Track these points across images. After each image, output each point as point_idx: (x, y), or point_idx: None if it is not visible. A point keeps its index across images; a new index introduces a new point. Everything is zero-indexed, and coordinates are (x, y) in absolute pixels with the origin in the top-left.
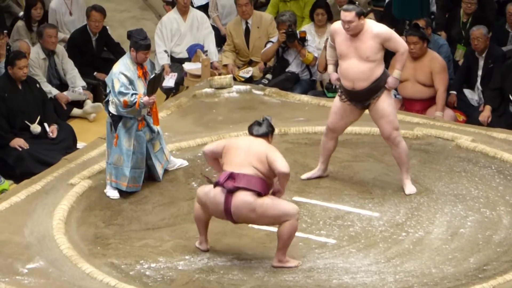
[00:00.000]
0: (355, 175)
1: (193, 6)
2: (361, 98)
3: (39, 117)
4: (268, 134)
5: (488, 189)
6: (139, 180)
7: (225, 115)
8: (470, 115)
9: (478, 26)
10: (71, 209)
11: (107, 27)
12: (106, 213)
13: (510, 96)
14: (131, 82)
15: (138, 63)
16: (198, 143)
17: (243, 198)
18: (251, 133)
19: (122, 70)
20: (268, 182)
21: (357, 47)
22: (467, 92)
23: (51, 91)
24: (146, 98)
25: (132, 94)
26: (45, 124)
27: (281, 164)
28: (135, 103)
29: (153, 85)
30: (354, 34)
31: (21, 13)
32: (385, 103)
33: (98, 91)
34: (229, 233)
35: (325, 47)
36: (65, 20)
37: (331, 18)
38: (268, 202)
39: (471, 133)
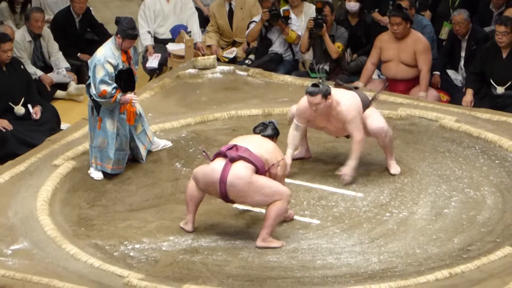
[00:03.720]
0: (339, 156)
1: None
2: None
3: (23, 99)
4: (273, 137)
5: (472, 169)
6: (122, 162)
7: (208, 96)
8: (453, 95)
9: (459, 11)
10: (55, 190)
11: (91, 8)
12: (90, 194)
13: (491, 81)
14: (115, 68)
15: (122, 49)
16: (181, 124)
17: (242, 168)
18: (256, 132)
19: (108, 56)
20: (265, 168)
21: (328, 122)
22: (450, 72)
23: (36, 72)
24: (127, 95)
25: (114, 88)
26: (29, 105)
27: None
28: (113, 96)
29: (124, 81)
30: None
31: None
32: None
33: (82, 72)
34: (213, 214)
35: (307, 28)
36: (48, 1)
37: None
38: (265, 180)
39: (455, 113)
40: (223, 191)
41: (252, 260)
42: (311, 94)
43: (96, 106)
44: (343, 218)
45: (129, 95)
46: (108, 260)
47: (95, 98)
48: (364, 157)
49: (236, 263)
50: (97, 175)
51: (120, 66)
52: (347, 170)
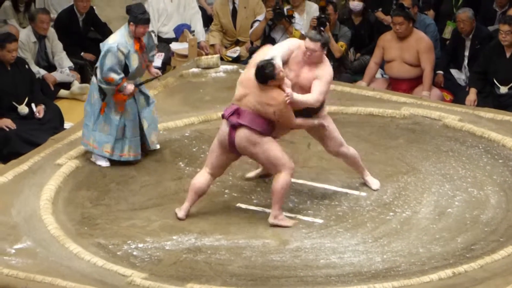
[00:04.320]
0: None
1: None
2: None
3: (27, 99)
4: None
5: (476, 168)
6: (136, 149)
7: (212, 95)
8: (457, 94)
9: (463, 9)
10: (58, 189)
11: (94, 7)
12: (93, 193)
13: (495, 80)
14: (126, 56)
15: (136, 37)
16: (185, 123)
17: (244, 135)
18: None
19: (120, 44)
20: (271, 124)
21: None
22: (454, 71)
23: (39, 71)
24: (129, 86)
25: (121, 78)
26: (32, 104)
27: None
28: (118, 85)
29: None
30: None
31: None
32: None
33: (85, 72)
34: (217, 213)
35: (310, 26)
36: (52, 0)
37: None
38: (271, 145)
39: (458, 113)
40: (235, 151)
41: (256, 259)
42: (313, 39)
43: (102, 92)
44: (347, 217)
45: (132, 87)
46: (111, 259)
47: (99, 84)
48: (367, 157)
49: (239, 262)
50: (102, 162)
51: (132, 54)
52: (293, 95)
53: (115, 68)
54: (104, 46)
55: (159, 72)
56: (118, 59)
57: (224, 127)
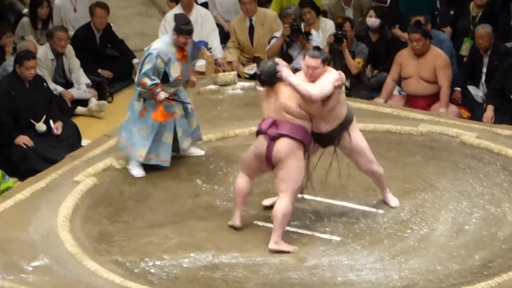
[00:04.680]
0: (360, 172)
1: (196, 3)
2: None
3: (44, 116)
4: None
5: (493, 185)
6: (166, 156)
7: (229, 112)
8: (474, 111)
9: (482, 25)
10: (75, 206)
11: (111, 24)
12: (110, 210)
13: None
14: (166, 63)
15: (179, 45)
16: (202, 140)
17: (285, 144)
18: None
19: (161, 51)
20: (308, 126)
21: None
22: (471, 88)
23: (56, 88)
24: (161, 94)
25: (153, 84)
26: (50, 121)
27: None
28: (150, 90)
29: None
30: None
31: (25, 10)
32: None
33: (103, 88)
34: (233, 231)
35: (328, 43)
36: (69, 16)
37: (319, 13)
38: (300, 165)
39: (476, 130)
40: (271, 166)
41: (273, 277)
42: (313, 57)
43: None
44: (364, 234)
45: (163, 95)
46: (128, 276)
47: (136, 86)
48: (385, 174)
49: (256, 279)
50: (137, 172)
51: (173, 63)
52: (285, 71)
53: (149, 74)
54: (147, 50)
55: (195, 84)
56: (156, 65)
57: (261, 141)
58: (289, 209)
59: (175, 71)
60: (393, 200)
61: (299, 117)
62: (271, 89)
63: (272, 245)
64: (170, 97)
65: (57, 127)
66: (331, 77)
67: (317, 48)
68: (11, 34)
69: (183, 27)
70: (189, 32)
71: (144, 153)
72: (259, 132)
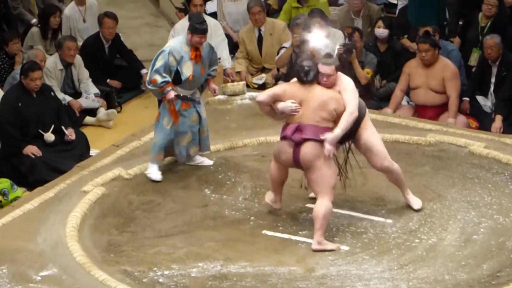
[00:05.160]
0: (368, 182)
1: (205, 13)
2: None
3: (53, 126)
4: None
5: (501, 195)
6: (181, 157)
7: (238, 122)
8: (482, 121)
9: (491, 35)
10: (84, 216)
11: (120, 34)
12: (119, 220)
13: None
14: (179, 62)
15: (192, 44)
16: (211, 150)
17: (311, 148)
18: (301, 81)
19: (174, 49)
20: (332, 127)
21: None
22: (480, 98)
23: (65, 98)
24: (171, 92)
25: (164, 81)
26: (63, 127)
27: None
28: (160, 88)
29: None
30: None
31: (34, 20)
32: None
33: (111, 98)
34: (242, 240)
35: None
36: (78, 27)
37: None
38: (331, 164)
39: (484, 140)
40: (300, 167)
41: (281, 287)
42: (327, 64)
43: (159, 101)
44: (372, 244)
45: (173, 94)
46: (137, 286)
47: (147, 85)
48: (392, 184)
49: None
50: (155, 175)
51: (185, 62)
52: (331, 137)
53: (161, 71)
54: (161, 50)
55: (217, 91)
56: (167, 62)
57: (286, 149)
58: (329, 209)
59: (187, 70)
60: (415, 202)
61: (331, 119)
62: (308, 87)
63: (315, 246)
64: (182, 97)
65: (70, 133)
66: (349, 86)
67: (328, 54)
68: (18, 40)
69: (197, 26)
70: (204, 31)
71: (158, 155)
72: (283, 138)
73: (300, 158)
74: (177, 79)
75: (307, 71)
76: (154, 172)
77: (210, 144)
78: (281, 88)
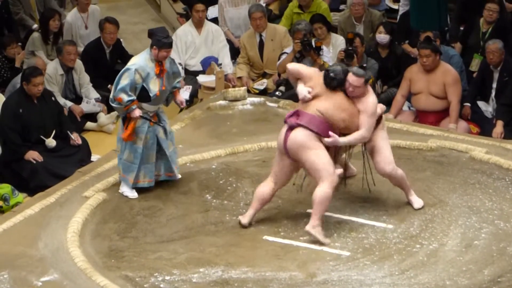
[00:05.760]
0: (369, 187)
1: (207, 19)
2: None
3: (54, 131)
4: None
5: (502, 201)
6: (151, 175)
7: (239, 127)
8: (484, 127)
9: (494, 40)
10: (85, 221)
11: (121, 40)
12: (120, 225)
13: None
14: (144, 79)
15: (158, 60)
16: (212, 155)
17: (299, 135)
18: (326, 84)
19: (139, 66)
20: (333, 127)
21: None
22: (481, 104)
23: (66, 103)
24: (136, 111)
25: (129, 100)
26: (68, 132)
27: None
28: (126, 106)
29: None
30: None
31: (35, 26)
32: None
33: None
34: (243, 246)
35: (338, 59)
36: (80, 33)
37: (330, 29)
38: (321, 152)
39: (485, 145)
40: (288, 155)
41: None
42: (356, 75)
43: (124, 119)
44: (374, 249)
45: (138, 113)
46: None
47: (110, 102)
48: (394, 189)
49: None
50: (132, 194)
51: (152, 78)
52: (332, 140)
53: (127, 89)
54: (125, 68)
55: (184, 103)
56: (133, 81)
57: (282, 130)
58: (328, 195)
59: (154, 86)
60: (416, 202)
61: (333, 121)
62: (331, 91)
63: (309, 228)
64: (146, 117)
65: (76, 138)
66: (370, 109)
67: (362, 67)
68: (16, 45)
69: (165, 40)
70: (171, 45)
71: (133, 178)
72: (285, 121)
73: (287, 144)
74: (144, 96)
75: (331, 78)
76: (128, 191)
77: (177, 159)
78: (310, 72)
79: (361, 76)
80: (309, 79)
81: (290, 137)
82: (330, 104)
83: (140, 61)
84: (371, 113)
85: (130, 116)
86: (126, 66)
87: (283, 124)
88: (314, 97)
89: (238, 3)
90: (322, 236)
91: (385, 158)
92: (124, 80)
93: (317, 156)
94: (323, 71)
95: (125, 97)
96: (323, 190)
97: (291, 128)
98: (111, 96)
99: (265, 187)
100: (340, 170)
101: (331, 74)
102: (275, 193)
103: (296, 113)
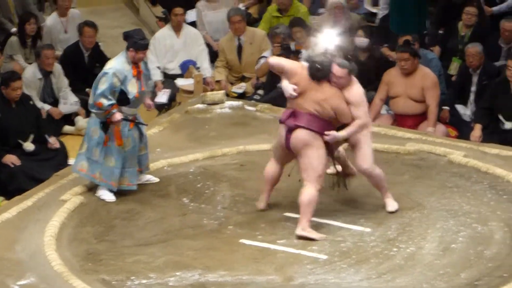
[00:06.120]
0: (347, 190)
1: (186, 23)
2: None
3: (32, 135)
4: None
5: (480, 204)
6: (133, 179)
7: (217, 131)
8: (462, 130)
9: (473, 44)
10: (62, 225)
11: (100, 43)
12: (97, 229)
13: (500, 116)
14: (122, 82)
15: (135, 62)
16: (190, 159)
17: (300, 135)
18: (311, 76)
19: (117, 69)
20: (331, 123)
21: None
22: (459, 107)
23: (44, 107)
24: (117, 115)
25: (110, 104)
26: (46, 136)
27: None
28: (106, 110)
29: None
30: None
31: (13, 29)
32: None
33: None
34: (221, 249)
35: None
36: (60, 37)
37: (310, 33)
38: (320, 153)
39: (463, 149)
40: (291, 153)
41: None
42: (341, 66)
43: (104, 124)
44: (351, 253)
45: (119, 116)
46: None
47: (90, 108)
48: (372, 193)
49: None
50: (109, 197)
51: (130, 80)
52: (332, 136)
53: (106, 94)
54: (102, 71)
55: (152, 106)
56: (112, 84)
57: (281, 132)
58: (313, 196)
59: (133, 88)
60: (390, 205)
61: (326, 116)
62: (316, 83)
63: (299, 231)
64: (127, 118)
65: (54, 142)
66: (357, 98)
67: (347, 58)
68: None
69: (142, 42)
70: (147, 46)
71: (116, 181)
72: (280, 122)
73: (290, 144)
74: (123, 99)
75: (316, 69)
76: (106, 194)
77: (149, 163)
78: (293, 67)
79: (346, 67)
80: (293, 73)
81: (293, 138)
82: (320, 99)
83: (117, 64)
84: (360, 102)
85: (110, 120)
86: (103, 70)
87: (279, 125)
88: (301, 92)
89: (216, 7)
90: (315, 233)
91: (363, 155)
92: (103, 85)
93: (316, 159)
94: (307, 63)
95: (105, 102)
96: (309, 192)
97: (290, 129)
98: (90, 101)
99: (272, 168)
100: (331, 170)
101: (317, 66)
102: (282, 171)
103: (293, 114)
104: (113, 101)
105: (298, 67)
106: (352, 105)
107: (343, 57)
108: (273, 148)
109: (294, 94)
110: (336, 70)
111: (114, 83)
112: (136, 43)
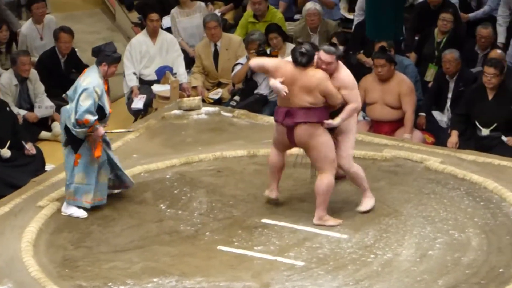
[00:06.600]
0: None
1: (162, 29)
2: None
3: (9, 142)
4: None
5: (457, 211)
6: (104, 194)
7: (194, 137)
8: (438, 136)
9: (450, 50)
10: (39, 231)
11: (76, 49)
12: (74, 235)
13: (476, 123)
14: (100, 97)
15: (107, 77)
16: (166, 164)
17: (303, 131)
18: (295, 62)
19: (96, 85)
20: (326, 107)
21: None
22: (436, 114)
23: (19, 112)
24: (100, 129)
25: (94, 119)
26: (22, 142)
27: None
28: (91, 126)
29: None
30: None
31: None
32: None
33: None
34: (197, 256)
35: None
36: (35, 44)
37: (286, 39)
38: (327, 139)
39: (440, 155)
40: (294, 144)
41: None
42: (328, 52)
43: (75, 143)
44: (328, 259)
45: (102, 130)
46: None
47: (72, 127)
48: (348, 198)
49: None
50: (81, 213)
51: (104, 95)
52: (330, 122)
53: (92, 110)
54: (79, 88)
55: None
56: (94, 100)
57: (280, 130)
58: (332, 184)
59: (107, 103)
60: (363, 204)
61: (318, 102)
62: (300, 69)
63: (316, 220)
64: (109, 131)
65: (30, 148)
66: (348, 82)
67: (332, 44)
68: None
69: (115, 55)
70: (119, 59)
71: (90, 198)
72: (276, 121)
73: (295, 141)
74: (100, 115)
75: (301, 53)
76: (77, 211)
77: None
78: (274, 64)
79: (333, 53)
80: (276, 68)
81: (297, 136)
82: (309, 87)
83: (95, 80)
84: (351, 85)
85: (94, 135)
86: (83, 87)
87: (276, 124)
88: (289, 85)
89: (189, 13)
90: (332, 220)
91: (342, 151)
92: (87, 101)
93: (325, 147)
94: (291, 53)
95: (91, 118)
96: (328, 179)
97: (290, 128)
98: (72, 120)
99: (276, 157)
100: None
101: (302, 49)
102: (285, 157)
103: (288, 113)
104: (97, 116)
105: (280, 61)
106: (344, 88)
107: (328, 44)
108: (273, 139)
109: (286, 91)
110: (325, 56)
111: (95, 98)
112: (109, 56)
